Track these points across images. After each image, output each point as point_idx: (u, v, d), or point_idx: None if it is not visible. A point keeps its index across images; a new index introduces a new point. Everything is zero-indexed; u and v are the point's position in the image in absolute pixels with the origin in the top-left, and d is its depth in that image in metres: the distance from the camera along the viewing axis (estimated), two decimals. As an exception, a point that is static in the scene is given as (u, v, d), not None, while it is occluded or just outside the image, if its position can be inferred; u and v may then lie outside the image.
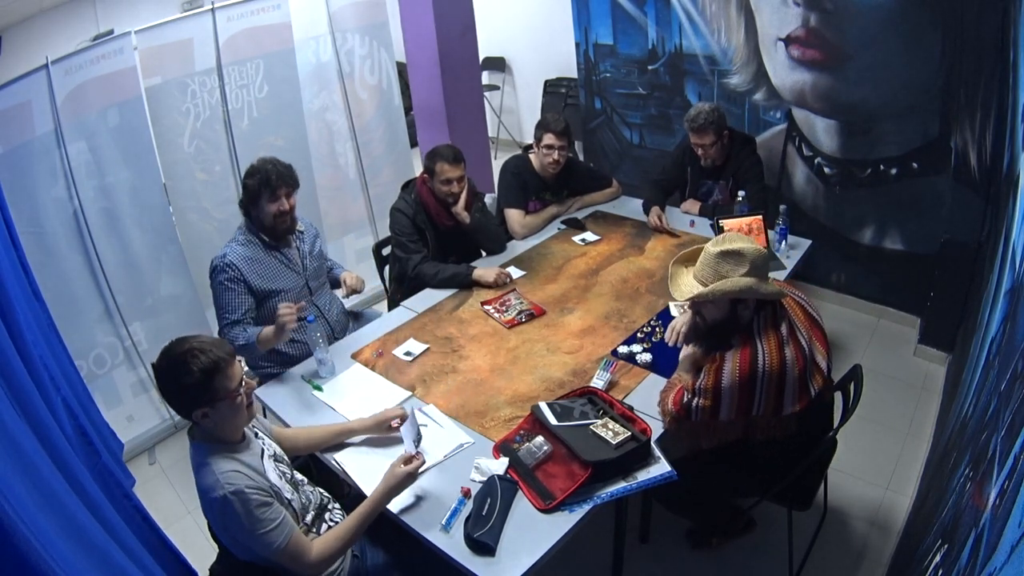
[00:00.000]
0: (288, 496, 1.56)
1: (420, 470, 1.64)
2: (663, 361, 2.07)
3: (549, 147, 2.89)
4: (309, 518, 1.63)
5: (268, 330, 2.13)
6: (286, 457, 1.71)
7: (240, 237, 2.29)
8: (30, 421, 1.56)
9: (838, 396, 1.97)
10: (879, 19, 2.84)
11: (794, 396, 1.68)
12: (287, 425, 1.97)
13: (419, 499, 1.66)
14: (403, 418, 1.83)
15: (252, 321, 2.25)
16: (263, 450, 1.60)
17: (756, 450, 1.81)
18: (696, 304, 1.75)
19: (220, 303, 2.22)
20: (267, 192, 2.21)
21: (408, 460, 1.62)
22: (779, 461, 1.84)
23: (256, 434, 1.63)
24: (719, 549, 2.24)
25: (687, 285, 1.74)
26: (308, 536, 1.56)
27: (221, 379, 1.44)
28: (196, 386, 1.42)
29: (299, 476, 1.71)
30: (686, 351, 1.91)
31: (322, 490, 1.75)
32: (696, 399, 1.72)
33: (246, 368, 2.14)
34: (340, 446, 1.84)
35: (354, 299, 3.79)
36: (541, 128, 2.91)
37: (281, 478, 1.59)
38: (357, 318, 2.70)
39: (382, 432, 1.85)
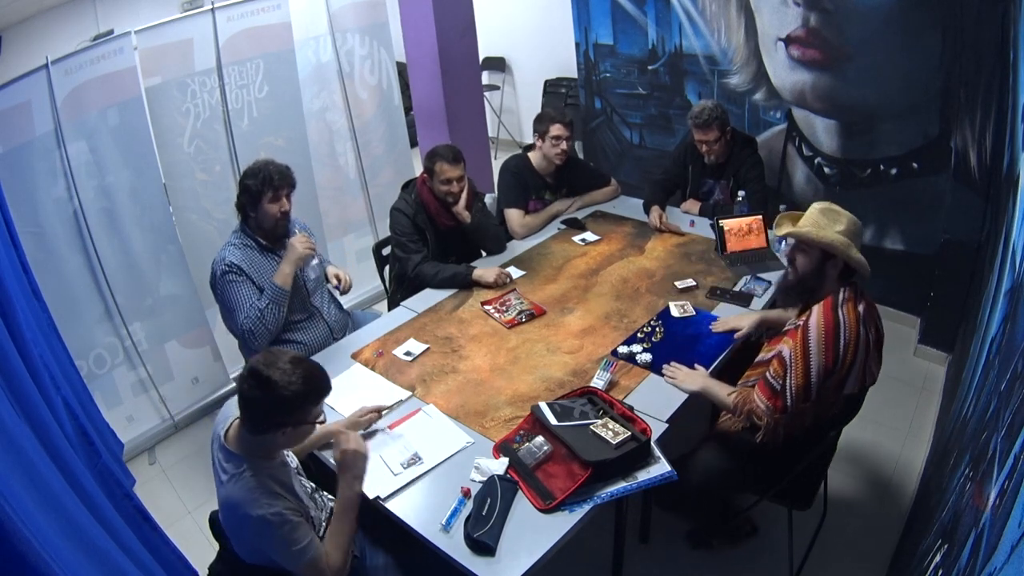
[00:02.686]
0: (313, 513, 1.57)
1: (364, 451, 1.66)
2: (663, 361, 2.07)
3: (557, 138, 2.87)
4: (323, 530, 1.63)
5: (282, 269, 2.23)
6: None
7: (235, 240, 2.28)
8: (30, 421, 1.56)
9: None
10: (879, 19, 2.84)
11: (858, 375, 1.73)
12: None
13: (419, 499, 1.66)
14: (379, 411, 1.86)
15: None
16: (291, 466, 1.60)
17: (760, 446, 1.82)
18: (792, 253, 1.83)
19: (236, 301, 2.20)
20: (270, 192, 2.22)
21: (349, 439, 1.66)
22: (779, 461, 1.84)
23: None
24: (719, 551, 2.24)
25: (788, 229, 1.83)
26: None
27: (320, 405, 1.49)
28: (298, 404, 1.43)
29: (312, 484, 1.71)
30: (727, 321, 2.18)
31: (328, 495, 1.74)
32: (788, 379, 1.73)
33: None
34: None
35: (354, 299, 3.82)
36: (547, 120, 2.88)
37: (303, 492, 1.59)
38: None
39: (361, 428, 1.84)
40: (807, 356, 1.71)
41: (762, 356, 1.95)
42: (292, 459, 1.66)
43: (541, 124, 2.92)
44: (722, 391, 1.93)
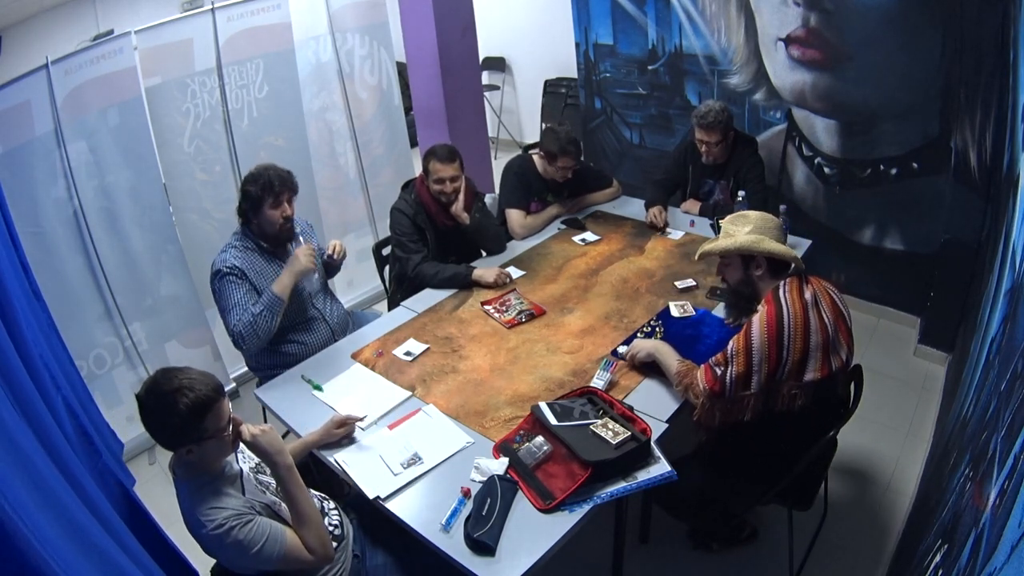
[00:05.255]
0: (285, 514, 1.55)
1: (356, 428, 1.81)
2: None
3: (565, 167, 2.89)
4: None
5: (282, 278, 2.21)
6: None
7: (237, 242, 2.28)
8: (30, 421, 1.55)
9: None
10: (879, 19, 2.84)
11: (817, 362, 1.71)
12: (285, 424, 1.97)
13: (419, 499, 1.66)
14: (352, 419, 1.85)
15: None
16: (241, 470, 1.56)
17: (761, 442, 1.81)
18: (720, 270, 1.94)
19: (232, 301, 2.18)
20: (270, 198, 2.20)
21: (342, 424, 1.82)
22: (778, 462, 1.84)
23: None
24: (719, 553, 2.24)
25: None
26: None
27: (211, 418, 1.40)
28: (184, 425, 1.37)
29: (270, 480, 1.67)
30: None
31: (314, 491, 1.73)
32: (729, 368, 1.74)
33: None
34: (340, 446, 1.84)
35: (354, 299, 3.82)
36: (556, 148, 2.81)
37: (267, 491, 1.57)
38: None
39: (337, 435, 1.83)
40: (749, 350, 1.71)
41: None
42: (248, 457, 1.62)
43: (550, 149, 2.86)
44: (671, 358, 1.94)
